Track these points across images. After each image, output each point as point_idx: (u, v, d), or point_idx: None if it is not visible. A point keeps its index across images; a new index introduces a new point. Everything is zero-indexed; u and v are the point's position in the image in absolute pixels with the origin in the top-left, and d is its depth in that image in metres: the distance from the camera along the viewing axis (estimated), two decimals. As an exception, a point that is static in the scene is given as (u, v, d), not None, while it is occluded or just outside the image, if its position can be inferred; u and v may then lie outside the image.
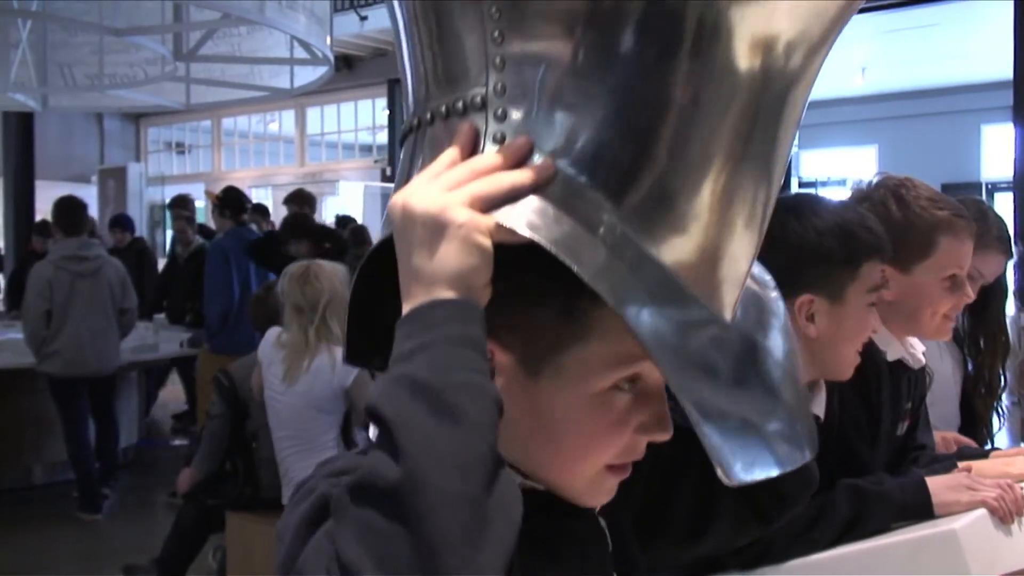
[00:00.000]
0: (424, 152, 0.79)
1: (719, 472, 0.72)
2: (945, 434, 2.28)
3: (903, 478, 1.67)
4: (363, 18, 11.61)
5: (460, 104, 0.76)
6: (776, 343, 0.83)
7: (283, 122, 15.05)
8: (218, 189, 13.41)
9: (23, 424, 6.52)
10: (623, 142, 0.72)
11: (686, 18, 0.70)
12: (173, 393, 8.90)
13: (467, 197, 0.72)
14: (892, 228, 1.76)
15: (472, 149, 0.75)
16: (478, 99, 0.75)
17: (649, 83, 0.71)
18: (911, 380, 1.94)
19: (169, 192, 11.95)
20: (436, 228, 0.71)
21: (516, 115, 0.74)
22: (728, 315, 0.77)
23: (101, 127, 15.70)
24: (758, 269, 0.87)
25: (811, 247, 1.53)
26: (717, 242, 0.75)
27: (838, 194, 12.11)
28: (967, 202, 2.49)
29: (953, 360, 2.53)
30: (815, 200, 1.65)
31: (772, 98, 0.75)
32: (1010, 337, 2.66)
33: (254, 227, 7.52)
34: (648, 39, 0.71)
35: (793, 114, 0.78)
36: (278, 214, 10.46)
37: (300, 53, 7.06)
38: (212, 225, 8.02)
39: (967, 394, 2.55)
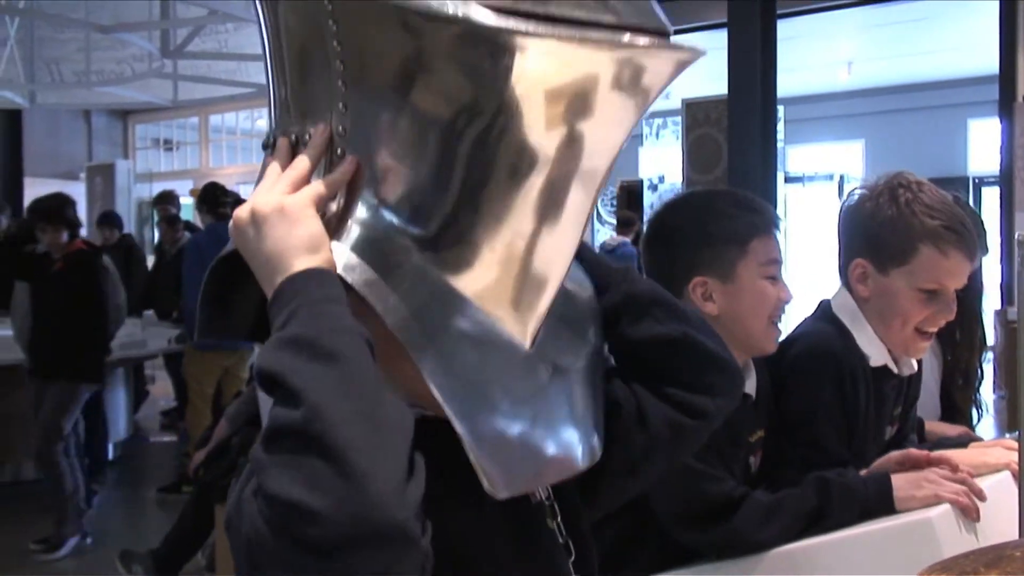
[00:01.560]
0: None
1: (484, 484, 0.84)
2: (931, 424, 2.32)
3: (868, 472, 1.68)
4: (351, 14, 11.61)
5: (307, 136, 0.89)
6: (580, 350, 0.97)
7: (271, 118, 15.06)
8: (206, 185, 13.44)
9: (12, 420, 6.51)
10: (435, 195, 0.84)
11: (491, 108, 0.81)
12: (162, 389, 8.90)
13: (288, 186, 0.87)
14: (878, 225, 1.79)
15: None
16: (337, 150, 0.88)
17: (461, 150, 0.83)
18: (901, 385, 1.95)
19: (157, 189, 11.93)
20: (275, 216, 0.85)
21: (346, 161, 0.87)
22: (528, 342, 0.89)
23: (89, 124, 15.63)
24: (577, 274, 1.01)
25: (696, 233, 1.64)
26: (517, 279, 0.87)
27: (826, 189, 12.16)
28: None
29: (931, 352, 2.56)
30: (692, 193, 1.82)
31: (566, 172, 0.85)
32: (994, 331, 2.69)
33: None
34: (462, 118, 0.82)
35: (589, 184, 0.86)
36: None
37: (287, 49, 7.08)
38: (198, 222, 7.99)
39: (946, 386, 2.59)
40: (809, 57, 11.30)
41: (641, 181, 11.93)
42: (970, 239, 1.80)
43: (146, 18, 6.81)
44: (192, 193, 8.30)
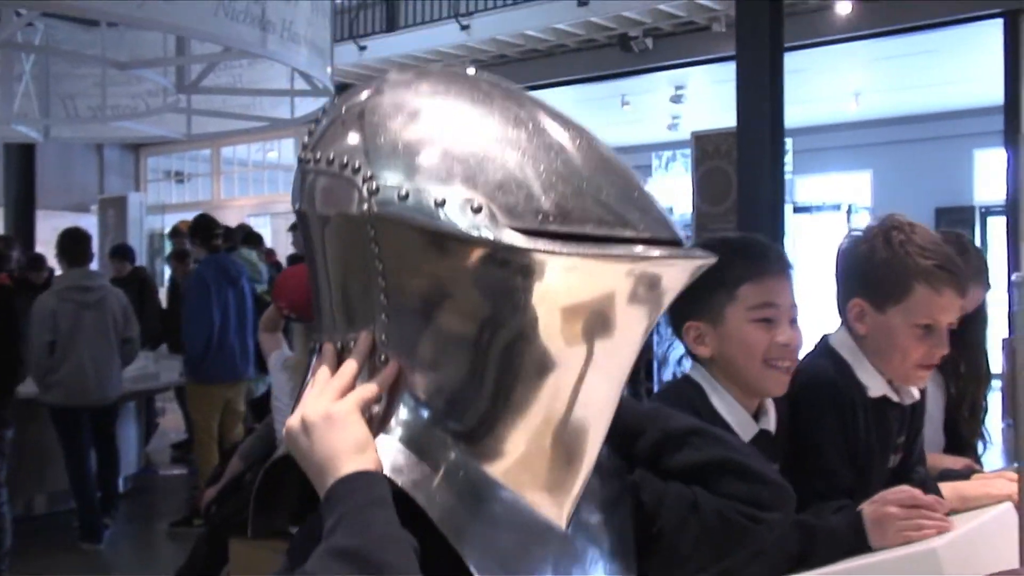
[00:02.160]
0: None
1: None
2: (933, 457, 2.35)
3: (845, 513, 1.70)
4: (362, 48, 11.73)
5: (351, 342, 0.97)
6: (607, 500, 1.07)
7: (282, 151, 15.13)
8: (219, 217, 13.52)
9: (25, 454, 6.54)
10: (469, 394, 0.93)
11: (518, 320, 0.91)
12: (173, 422, 8.94)
13: (335, 393, 0.95)
14: (874, 266, 1.86)
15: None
16: (379, 359, 0.96)
17: (492, 356, 0.91)
18: (904, 415, 2.00)
19: (169, 221, 12.02)
20: (323, 424, 0.93)
21: (389, 362, 0.95)
22: (564, 523, 0.96)
23: (101, 156, 15.79)
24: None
25: None
26: (550, 466, 0.95)
27: (833, 219, 12.19)
28: (949, 236, 2.58)
29: (934, 384, 2.59)
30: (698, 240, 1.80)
31: (591, 371, 0.94)
32: (1002, 359, 2.74)
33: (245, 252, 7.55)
34: (491, 328, 0.91)
35: (608, 391, 0.98)
36: (278, 242, 10.55)
37: (300, 84, 7.13)
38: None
39: (951, 418, 2.62)
40: (817, 88, 11.39)
41: (650, 212, 11.96)
42: (961, 276, 1.87)
43: (161, 54, 6.89)
44: (182, 226, 8.32)
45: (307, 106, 7.94)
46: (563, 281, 0.88)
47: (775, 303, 1.73)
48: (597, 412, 0.97)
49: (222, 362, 6.39)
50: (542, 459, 0.95)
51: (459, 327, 0.92)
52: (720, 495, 1.15)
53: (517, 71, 11.60)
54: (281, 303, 3.73)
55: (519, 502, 0.95)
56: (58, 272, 6.55)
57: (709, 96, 11.97)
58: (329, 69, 6.68)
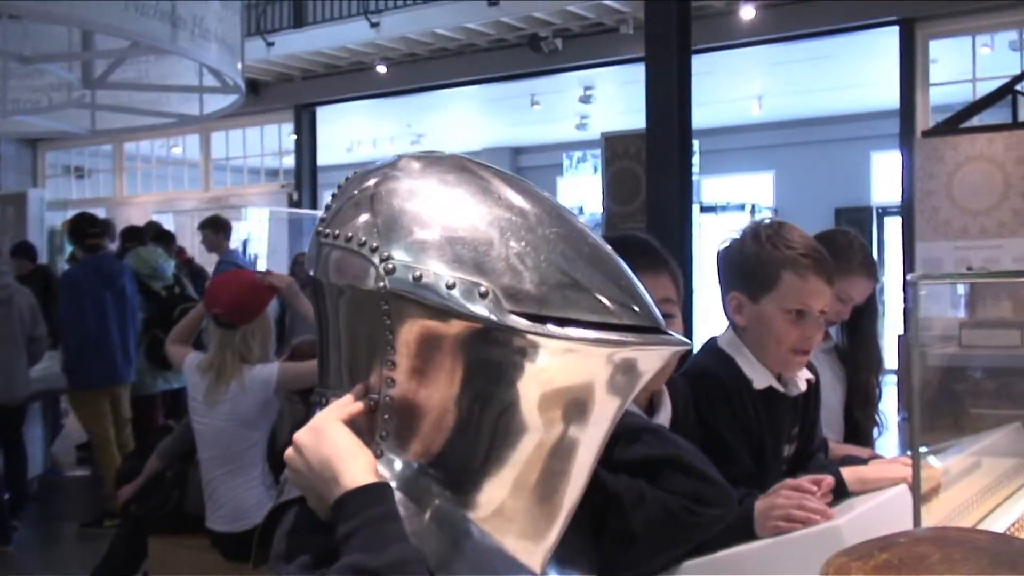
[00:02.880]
0: None
1: None
2: (835, 445, 2.49)
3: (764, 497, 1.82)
4: (270, 44, 11.62)
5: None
6: None
7: (187, 146, 14.90)
8: (122, 214, 13.24)
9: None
10: (458, 455, 1.03)
11: (509, 391, 1.01)
12: (76, 423, 8.74)
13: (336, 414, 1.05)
14: (746, 260, 2.04)
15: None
16: (372, 402, 1.05)
17: (484, 422, 1.02)
18: (795, 406, 2.13)
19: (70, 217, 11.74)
20: (311, 437, 1.04)
21: (395, 422, 1.04)
22: (538, 570, 1.07)
23: (-3, 152, 15.36)
24: None
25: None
26: (528, 517, 1.05)
27: (738, 219, 12.51)
28: (834, 233, 2.75)
29: (833, 373, 2.75)
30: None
31: (571, 438, 1.04)
32: (898, 355, 2.91)
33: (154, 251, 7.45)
34: (483, 397, 1.01)
35: (586, 455, 1.07)
36: (182, 239, 10.39)
37: (209, 80, 7.08)
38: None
39: (848, 406, 2.78)
40: (722, 91, 11.67)
41: (560, 211, 12.12)
42: (827, 264, 2.02)
43: (66, 47, 6.77)
44: (64, 225, 8.11)
45: (216, 103, 7.87)
46: (554, 362, 0.99)
47: (807, 302, 1.95)
48: (575, 473, 1.06)
49: (101, 366, 6.26)
50: (521, 512, 1.05)
51: (455, 395, 1.02)
52: (665, 490, 1.27)
53: (427, 70, 11.64)
54: (216, 309, 3.78)
55: (499, 546, 1.04)
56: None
57: (617, 97, 12.18)
58: (240, 66, 6.65)
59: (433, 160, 1.09)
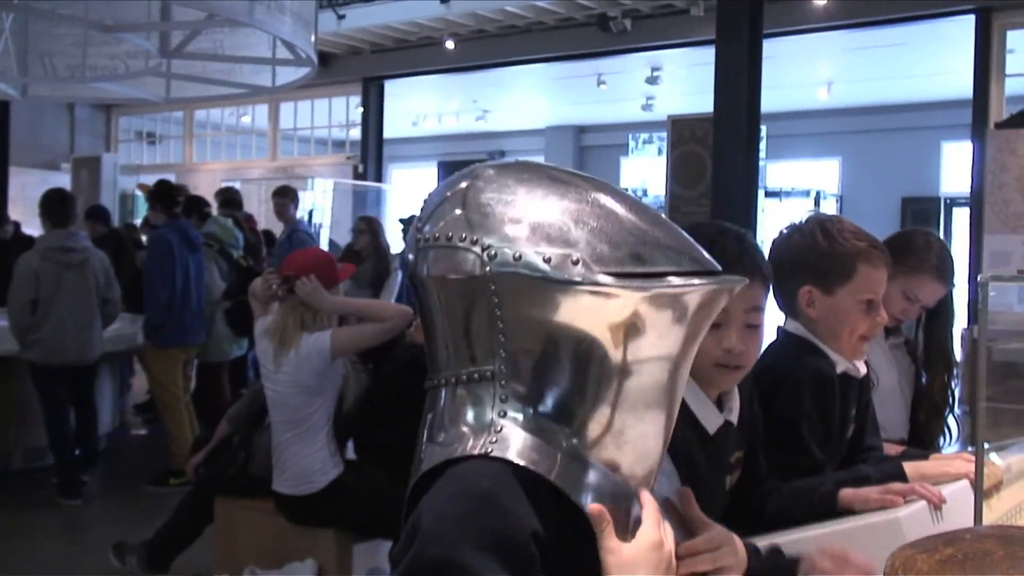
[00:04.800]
0: (449, 406, 1.22)
1: None
2: (890, 447, 2.52)
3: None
4: (341, 16, 11.73)
5: (476, 375, 1.20)
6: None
7: (256, 116, 15.10)
8: (191, 180, 13.47)
9: (3, 410, 6.62)
10: (572, 404, 1.18)
11: (607, 343, 1.17)
12: (140, 383, 8.97)
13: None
14: (819, 254, 2.08)
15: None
16: (488, 373, 1.19)
17: (590, 374, 1.18)
18: (855, 389, 2.18)
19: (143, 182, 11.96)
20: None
21: (513, 385, 1.18)
22: (648, 487, 1.25)
23: (72, 115, 15.68)
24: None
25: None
26: (632, 452, 1.21)
27: (801, 204, 12.38)
28: (914, 232, 2.75)
29: (901, 370, 2.76)
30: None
31: (653, 381, 1.21)
32: (961, 349, 2.91)
33: (224, 220, 7.62)
34: (589, 353, 1.17)
35: (679, 381, 1.23)
36: (249, 207, 10.56)
37: (282, 52, 7.18)
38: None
39: (915, 408, 2.79)
40: (790, 76, 11.55)
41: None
42: (887, 254, 2.12)
43: (145, 17, 6.91)
44: (141, 188, 8.31)
45: (288, 75, 7.98)
46: (640, 309, 1.16)
47: (878, 291, 2.05)
48: (668, 405, 1.23)
49: (180, 326, 6.51)
50: (629, 440, 1.21)
51: (560, 351, 1.17)
52: None
53: (494, 46, 11.66)
54: (289, 271, 3.88)
55: (612, 476, 1.21)
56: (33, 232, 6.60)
57: (684, 79, 12.11)
58: (313, 39, 6.74)
59: (505, 165, 1.25)
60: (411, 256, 1.25)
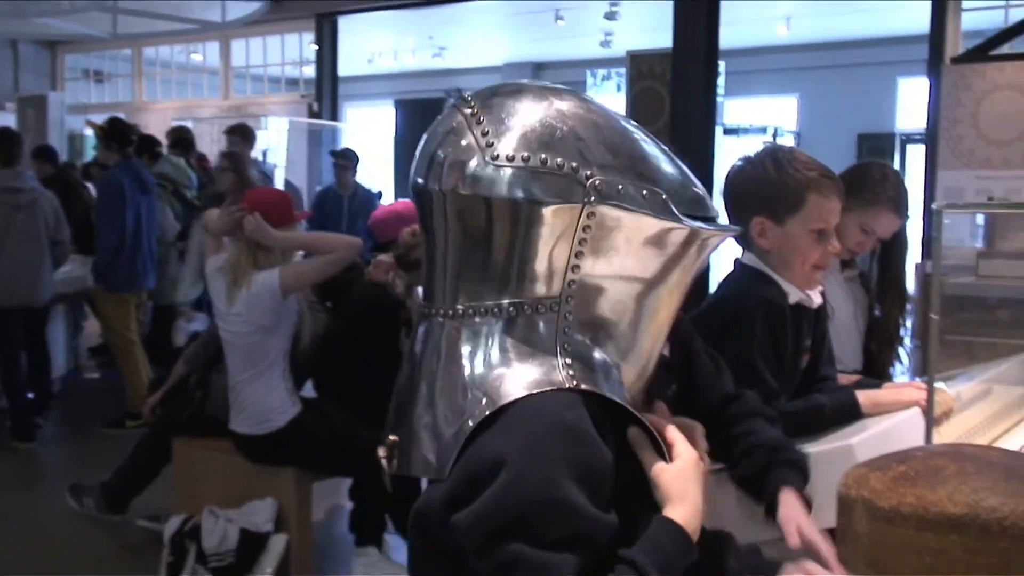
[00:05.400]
0: (503, 337, 1.18)
1: None
2: (844, 377, 2.54)
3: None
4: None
5: (539, 305, 1.18)
6: None
7: (207, 53, 14.78)
8: (141, 120, 13.21)
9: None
10: (615, 330, 1.22)
11: (665, 278, 1.24)
12: (93, 325, 8.87)
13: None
14: (769, 184, 2.09)
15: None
16: (551, 303, 1.18)
17: (647, 306, 1.23)
18: (810, 320, 2.19)
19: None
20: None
21: (576, 315, 1.19)
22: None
23: (15, 52, 15.26)
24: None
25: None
26: (639, 361, 1.26)
27: (759, 142, 12.41)
28: (870, 165, 2.76)
29: (855, 301, 2.78)
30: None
31: (675, 307, 1.29)
32: (914, 283, 2.93)
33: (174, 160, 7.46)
34: (650, 285, 1.23)
35: (677, 303, 1.30)
36: (203, 147, 10.38)
37: (232, -14, 7.03)
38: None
39: (868, 339, 2.82)
40: (748, 11, 11.49)
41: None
42: (839, 184, 2.12)
43: (88, -50, 6.73)
44: (91, 126, 7.99)
45: (238, 10, 7.84)
46: (693, 250, 1.23)
47: (828, 220, 2.05)
48: (665, 332, 1.29)
49: (132, 270, 6.39)
50: (639, 367, 1.26)
51: (627, 284, 1.21)
52: None
53: (450, -19, 11.46)
54: (246, 206, 3.82)
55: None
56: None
57: (643, 14, 12.00)
58: (263, -28, 6.60)
59: (574, 93, 1.26)
60: (483, 177, 1.18)
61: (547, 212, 1.16)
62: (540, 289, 1.18)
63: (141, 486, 4.52)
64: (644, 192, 1.18)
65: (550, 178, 1.16)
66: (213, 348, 4.08)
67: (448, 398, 1.16)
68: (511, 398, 1.11)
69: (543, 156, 1.16)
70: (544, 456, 1.06)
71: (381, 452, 1.22)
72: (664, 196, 1.19)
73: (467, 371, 1.16)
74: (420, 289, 1.71)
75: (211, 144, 12.04)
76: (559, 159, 1.16)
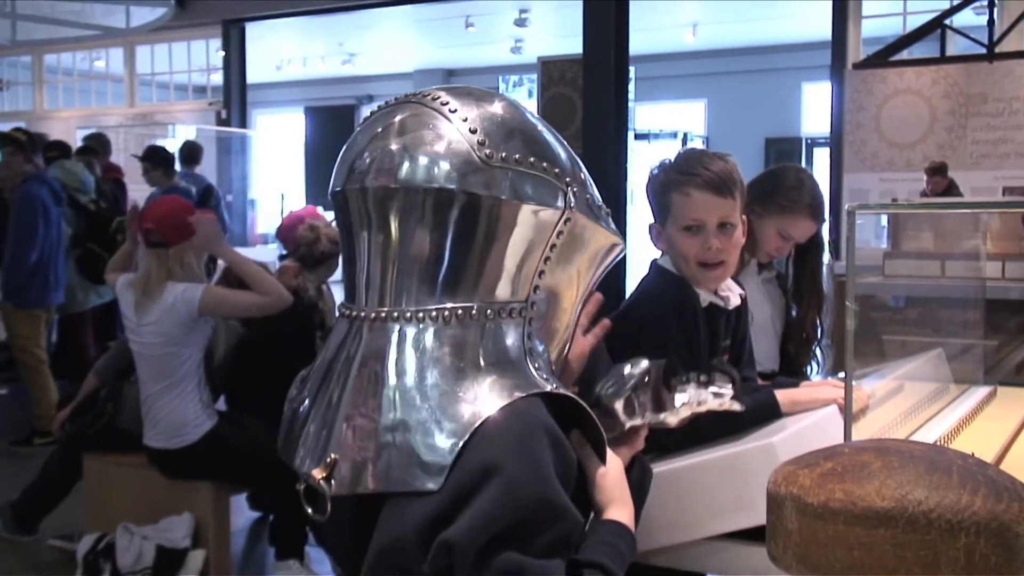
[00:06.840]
0: (486, 338, 1.15)
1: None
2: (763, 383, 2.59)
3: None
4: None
5: (503, 311, 1.16)
6: None
7: (111, 60, 14.45)
8: (43, 129, 12.84)
9: None
10: (564, 330, 1.26)
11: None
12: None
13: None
14: (653, 191, 2.19)
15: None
16: (517, 307, 1.17)
17: (573, 311, 1.28)
18: (728, 320, 2.23)
19: (-10, 132, 11.33)
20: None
21: (535, 318, 1.19)
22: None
23: (-93, 60, 14.75)
24: None
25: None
26: (558, 350, 1.27)
27: (669, 146, 12.58)
28: (786, 169, 2.81)
29: (772, 303, 2.83)
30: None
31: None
32: (824, 286, 2.98)
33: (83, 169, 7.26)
34: (582, 293, 1.28)
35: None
36: (115, 156, 10.14)
37: (137, -8, 6.89)
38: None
39: (785, 339, 2.87)
40: (656, 18, 11.66)
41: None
42: (713, 180, 2.09)
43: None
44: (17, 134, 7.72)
45: (143, 16, 7.68)
46: (611, 258, 1.29)
47: (697, 216, 2.06)
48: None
49: (44, 285, 6.17)
50: (562, 344, 1.28)
51: (575, 289, 1.25)
52: None
53: (359, -13, 11.40)
54: (149, 225, 3.75)
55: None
56: None
57: (553, 20, 12.11)
58: (170, -22, 6.48)
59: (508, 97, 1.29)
60: (470, 171, 1.13)
61: (531, 214, 1.16)
62: (506, 293, 1.17)
63: (52, 504, 4.38)
64: (599, 204, 1.24)
65: (539, 180, 1.17)
66: (124, 360, 3.98)
67: (420, 409, 1.07)
68: (497, 407, 1.07)
69: (531, 158, 1.17)
70: (535, 457, 1.04)
71: (317, 473, 1.10)
72: (607, 210, 1.25)
73: (443, 380, 1.09)
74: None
75: (116, 153, 11.77)
76: (544, 163, 1.18)
